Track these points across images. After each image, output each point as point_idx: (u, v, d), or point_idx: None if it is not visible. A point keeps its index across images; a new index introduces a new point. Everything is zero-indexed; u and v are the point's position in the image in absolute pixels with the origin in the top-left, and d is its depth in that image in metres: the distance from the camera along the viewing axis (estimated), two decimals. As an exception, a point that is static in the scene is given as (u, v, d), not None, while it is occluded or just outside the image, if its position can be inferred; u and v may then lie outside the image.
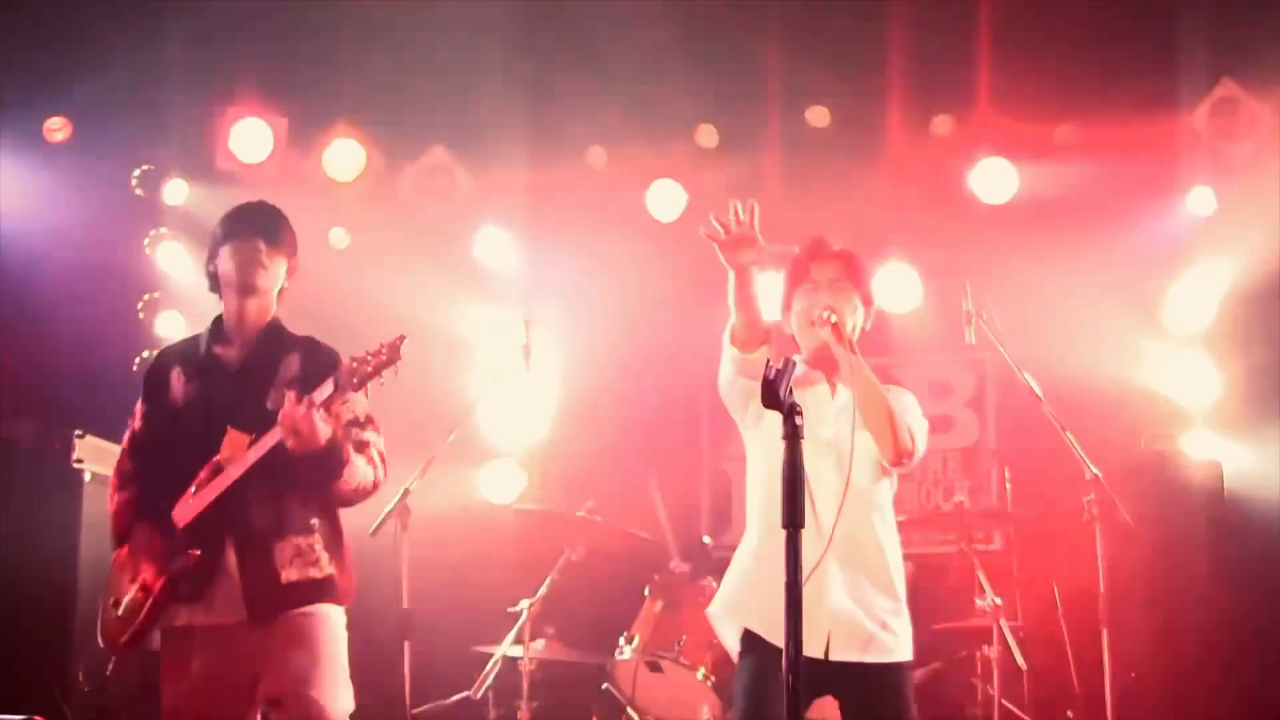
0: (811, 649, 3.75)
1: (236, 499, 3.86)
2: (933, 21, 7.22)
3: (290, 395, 3.77)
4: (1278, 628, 6.30)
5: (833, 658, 3.84)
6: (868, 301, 4.12)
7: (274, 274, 4.08)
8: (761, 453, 4.04)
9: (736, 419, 4.15)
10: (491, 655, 5.98)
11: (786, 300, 4.14)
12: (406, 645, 5.49)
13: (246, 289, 4.04)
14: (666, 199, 7.72)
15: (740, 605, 4.00)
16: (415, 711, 5.76)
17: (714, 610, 4.12)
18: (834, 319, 3.91)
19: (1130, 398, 7.00)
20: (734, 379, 4.06)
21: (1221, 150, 7.08)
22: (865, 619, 3.88)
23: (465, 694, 6.05)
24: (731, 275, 3.87)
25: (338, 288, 7.26)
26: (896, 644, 3.94)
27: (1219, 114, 7.02)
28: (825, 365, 4.06)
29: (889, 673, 3.91)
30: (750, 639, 3.94)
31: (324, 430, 3.78)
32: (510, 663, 5.98)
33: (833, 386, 4.07)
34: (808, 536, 3.71)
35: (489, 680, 5.97)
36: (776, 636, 3.78)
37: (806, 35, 7.43)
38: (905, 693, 3.93)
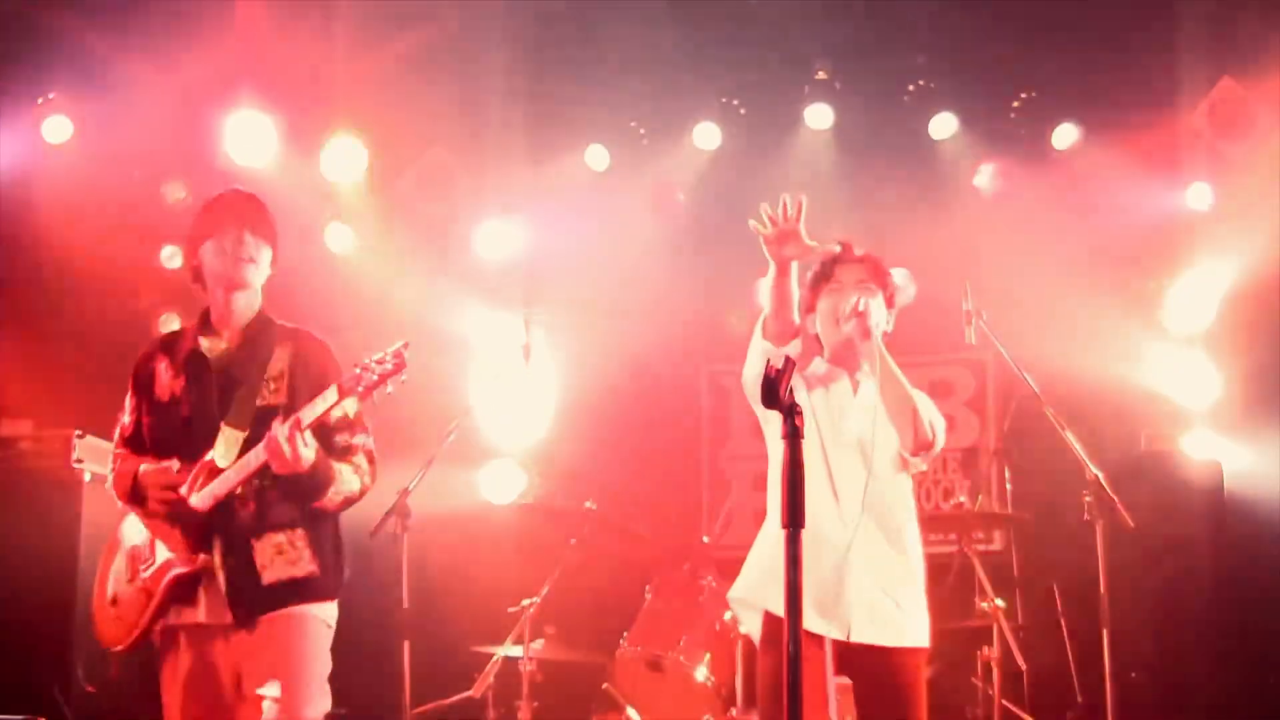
0: (834, 631, 3.95)
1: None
2: (933, 21, 7.23)
3: (276, 422, 3.76)
4: (1278, 628, 6.30)
5: (854, 640, 3.97)
6: (890, 303, 4.24)
7: (262, 266, 4.04)
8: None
9: (759, 413, 4.18)
10: (491, 655, 5.98)
11: (810, 301, 4.24)
12: (406, 645, 5.49)
13: (235, 285, 4.02)
14: (666, 199, 7.72)
15: (765, 589, 4.06)
16: (415, 711, 5.76)
17: (736, 594, 4.20)
18: (863, 307, 4.02)
19: (1130, 398, 7.00)
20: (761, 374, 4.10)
21: (1221, 149, 7.08)
22: (887, 603, 4.01)
23: (465, 694, 6.05)
24: (772, 269, 3.94)
25: (337, 288, 7.28)
26: (915, 629, 4.07)
27: (1219, 113, 7.03)
28: (848, 363, 4.19)
29: (905, 656, 4.03)
30: (775, 622, 3.99)
31: (307, 456, 3.77)
32: (510, 663, 5.98)
33: (855, 384, 4.18)
34: (833, 525, 3.93)
35: (489, 680, 5.97)
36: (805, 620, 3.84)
37: (806, 35, 7.43)
38: (919, 677, 4.07)
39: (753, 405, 4.20)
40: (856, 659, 3.99)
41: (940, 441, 4.12)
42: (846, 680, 4.10)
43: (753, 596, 4.12)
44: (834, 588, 3.95)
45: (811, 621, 3.88)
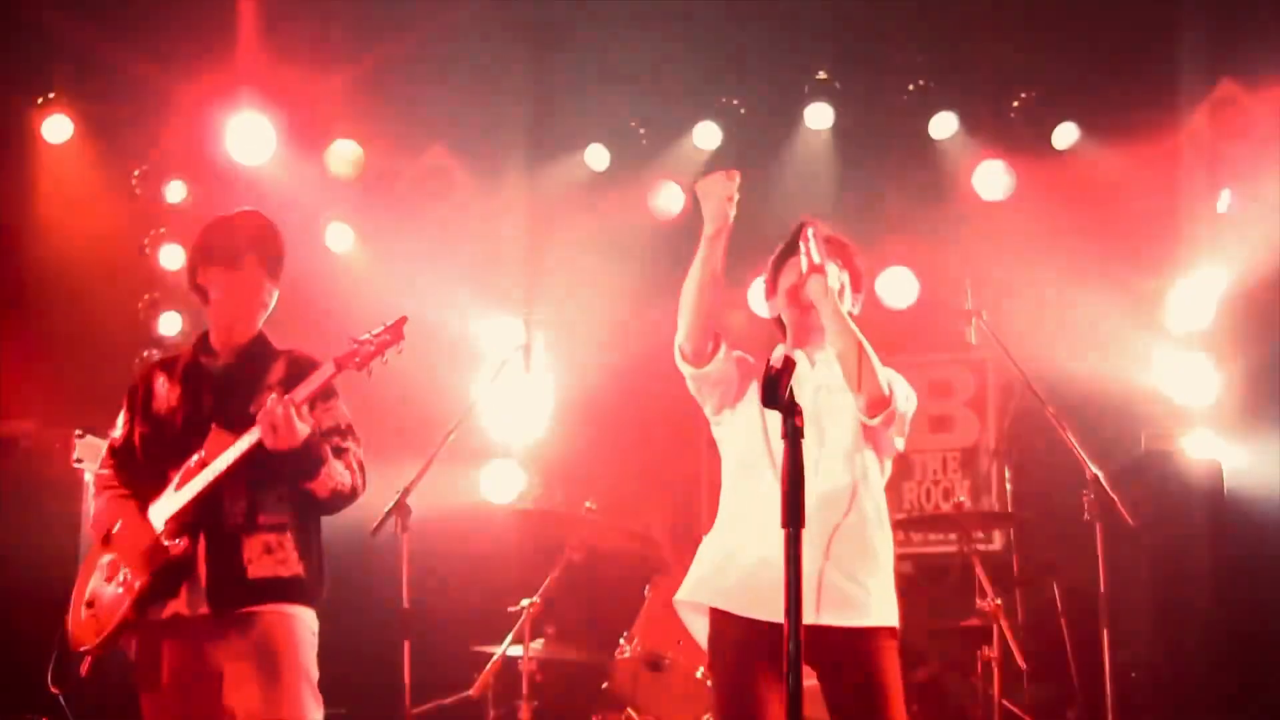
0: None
1: (212, 493, 3.85)
2: (933, 22, 7.23)
3: (273, 396, 3.78)
4: (1278, 628, 6.29)
5: (817, 622, 3.74)
6: (856, 285, 4.11)
7: (270, 307, 4.12)
8: (734, 440, 4.06)
9: (706, 411, 4.17)
10: (491, 655, 5.98)
11: (773, 280, 4.15)
12: (406, 645, 5.49)
13: (241, 320, 4.08)
14: (666, 199, 7.72)
15: (707, 586, 3.97)
16: (415, 711, 5.76)
17: (681, 596, 4.07)
18: (814, 245, 3.90)
19: (1130, 398, 7.00)
20: (699, 388, 4.11)
21: (1221, 151, 7.08)
22: (848, 584, 3.82)
23: (465, 694, 6.04)
24: (702, 249, 3.95)
25: (337, 287, 7.28)
26: (879, 608, 3.87)
27: (1219, 114, 7.03)
28: (808, 341, 4.07)
29: (872, 638, 3.85)
30: (719, 617, 3.92)
31: (301, 429, 3.78)
32: (510, 663, 5.98)
33: (812, 361, 4.06)
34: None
35: (489, 680, 5.96)
36: (742, 608, 3.80)
37: (806, 35, 7.43)
38: (891, 661, 3.87)
39: (703, 406, 4.18)
40: (822, 644, 3.70)
41: (899, 404, 3.91)
42: (813, 681, 3.86)
43: (697, 597, 4.00)
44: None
45: (773, 610, 3.48)
